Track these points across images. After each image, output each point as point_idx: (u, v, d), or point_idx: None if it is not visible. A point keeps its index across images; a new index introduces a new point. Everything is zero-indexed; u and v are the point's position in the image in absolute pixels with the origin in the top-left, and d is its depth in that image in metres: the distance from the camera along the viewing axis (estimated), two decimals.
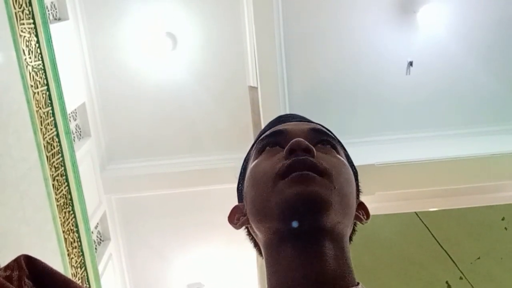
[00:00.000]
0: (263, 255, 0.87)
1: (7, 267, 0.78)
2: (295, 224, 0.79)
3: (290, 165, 0.84)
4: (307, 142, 0.86)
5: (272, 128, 0.99)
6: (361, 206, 0.94)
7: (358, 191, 0.96)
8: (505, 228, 7.90)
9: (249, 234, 0.97)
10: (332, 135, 0.98)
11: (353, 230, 0.94)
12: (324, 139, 0.94)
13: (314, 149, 0.86)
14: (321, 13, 6.03)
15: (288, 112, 6.19)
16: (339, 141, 0.99)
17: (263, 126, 4.79)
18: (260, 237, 0.88)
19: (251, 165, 0.95)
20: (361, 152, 6.00)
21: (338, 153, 0.94)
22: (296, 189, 0.80)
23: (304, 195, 0.79)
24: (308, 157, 0.84)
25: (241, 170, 1.00)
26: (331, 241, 0.80)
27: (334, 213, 0.80)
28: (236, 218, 0.94)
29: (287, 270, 0.79)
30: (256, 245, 0.96)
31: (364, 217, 0.92)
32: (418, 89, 6.26)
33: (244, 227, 0.96)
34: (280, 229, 0.81)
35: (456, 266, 8.00)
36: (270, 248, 0.84)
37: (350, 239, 0.92)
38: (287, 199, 0.80)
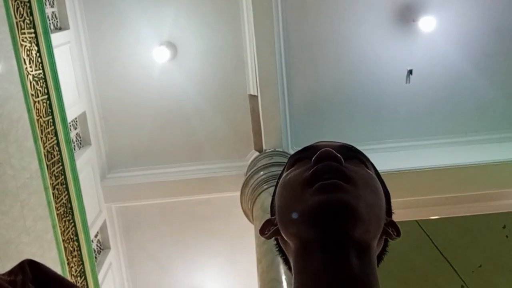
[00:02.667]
0: (292, 262, 0.88)
1: (11, 272, 0.78)
2: (321, 232, 0.80)
3: (315, 170, 0.85)
4: (334, 151, 0.88)
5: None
6: (392, 224, 0.94)
7: (390, 210, 0.97)
8: (506, 236, 7.88)
9: (278, 245, 0.97)
10: (362, 153, 1.00)
11: (384, 249, 0.95)
12: (354, 154, 0.96)
13: (341, 158, 0.88)
14: (321, 23, 6.05)
15: (288, 120, 6.22)
16: (370, 161, 1.01)
17: (263, 135, 4.78)
18: (289, 246, 0.89)
19: (282, 177, 0.97)
20: None
21: (367, 168, 0.95)
22: (321, 197, 0.81)
23: (330, 203, 0.80)
24: (334, 163, 0.86)
25: (275, 187, 1.00)
26: (357, 250, 0.80)
27: (361, 222, 0.81)
28: (267, 229, 0.94)
29: (314, 278, 0.79)
30: (284, 255, 0.96)
31: (394, 234, 0.92)
32: (417, 97, 6.28)
33: (273, 239, 0.97)
34: (307, 236, 0.82)
35: (457, 274, 7.97)
36: (298, 255, 0.84)
37: (381, 258, 0.93)
38: (312, 206, 0.81)
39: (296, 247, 0.85)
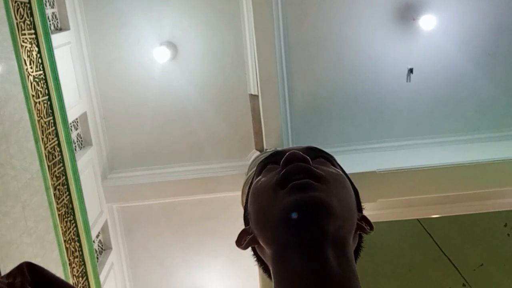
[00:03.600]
0: (271, 269, 0.88)
1: (9, 274, 0.78)
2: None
3: (285, 172, 0.87)
4: (301, 153, 0.90)
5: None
6: (364, 219, 0.95)
7: (359, 207, 0.98)
8: (508, 234, 7.88)
9: (256, 254, 0.98)
10: (327, 153, 1.01)
11: (359, 245, 0.95)
12: (319, 154, 0.98)
13: (309, 158, 0.90)
14: (321, 22, 6.05)
15: (289, 119, 6.22)
16: (335, 160, 1.02)
17: (264, 134, 4.78)
18: (267, 253, 0.89)
19: (252, 184, 0.98)
20: (362, 159, 6.01)
21: (334, 166, 0.97)
22: (295, 197, 0.82)
23: (303, 201, 0.81)
24: (302, 164, 0.87)
25: (246, 197, 1.02)
26: (333, 247, 0.80)
27: (336, 218, 0.82)
28: (243, 239, 0.95)
29: (293, 279, 0.80)
30: (262, 264, 0.97)
31: (367, 228, 0.93)
32: (418, 96, 6.27)
33: (250, 248, 0.97)
34: (283, 237, 0.82)
35: (459, 272, 7.97)
36: (276, 259, 0.85)
37: (358, 254, 0.94)
38: (287, 206, 0.82)
39: (273, 252, 0.85)
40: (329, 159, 0.98)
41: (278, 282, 0.83)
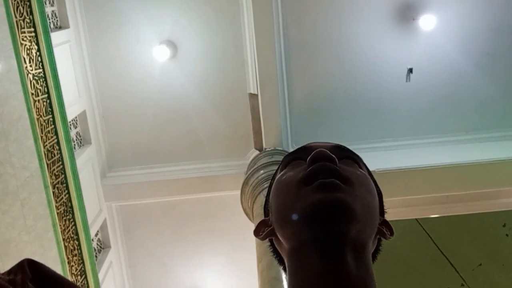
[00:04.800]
0: (286, 263, 0.88)
1: (10, 271, 0.78)
2: (318, 231, 0.80)
3: (311, 170, 0.86)
4: (329, 152, 0.88)
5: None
6: (385, 224, 0.95)
7: (382, 210, 0.97)
8: (506, 235, 7.89)
9: (272, 245, 0.98)
10: (355, 153, 1.00)
11: (378, 248, 0.95)
12: (347, 155, 0.97)
13: (336, 158, 0.88)
14: (321, 21, 6.05)
15: (288, 119, 6.22)
16: (362, 161, 1.01)
17: (263, 133, 4.77)
18: (284, 246, 0.89)
19: (276, 177, 0.97)
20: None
21: (360, 168, 0.96)
22: (321, 195, 0.81)
23: (329, 201, 0.80)
24: (329, 164, 0.86)
25: (268, 188, 1.01)
26: (353, 250, 0.80)
27: (358, 221, 0.81)
28: (262, 230, 0.95)
29: (310, 277, 0.80)
30: (278, 256, 0.96)
31: (388, 233, 0.92)
32: (418, 95, 6.27)
33: (267, 240, 0.97)
34: (304, 234, 0.82)
35: (458, 272, 7.98)
36: (294, 255, 0.84)
37: (375, 257, 0.93)
38: (312, 204, 0.81)
39: (291, 247, 0.85)
40: (356, 160, 0.97)
41: (292, 277, 0.83)
